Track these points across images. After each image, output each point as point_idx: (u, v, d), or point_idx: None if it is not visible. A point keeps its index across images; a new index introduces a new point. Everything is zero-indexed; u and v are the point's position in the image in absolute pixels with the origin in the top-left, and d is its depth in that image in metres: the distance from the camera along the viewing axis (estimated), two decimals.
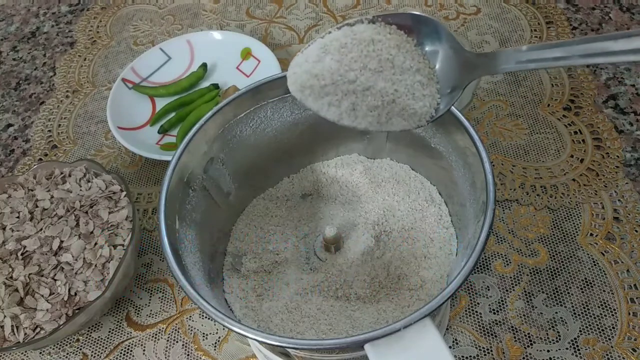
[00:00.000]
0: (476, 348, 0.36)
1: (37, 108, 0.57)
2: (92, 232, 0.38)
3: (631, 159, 0.44)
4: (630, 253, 0.38)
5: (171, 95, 0.53)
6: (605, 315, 0.36)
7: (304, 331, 0.30)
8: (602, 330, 0.35)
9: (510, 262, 0.39)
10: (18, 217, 0.39)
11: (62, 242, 0.37)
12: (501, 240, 0.40)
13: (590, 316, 0.36)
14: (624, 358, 0.34)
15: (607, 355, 0.34)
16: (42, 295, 0.35)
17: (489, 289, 0.38)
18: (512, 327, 0.36)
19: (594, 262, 0.38)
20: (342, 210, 0.36)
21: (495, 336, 0.36)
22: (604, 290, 0.37)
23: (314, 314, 0.31)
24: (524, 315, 0.36)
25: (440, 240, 0.33)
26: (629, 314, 0.36)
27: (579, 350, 0.35)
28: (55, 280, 0.36)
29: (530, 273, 0.38)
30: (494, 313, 0.37)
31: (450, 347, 0.36)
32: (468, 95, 0.44)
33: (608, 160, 0.44)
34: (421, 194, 0.35)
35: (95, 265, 0.36)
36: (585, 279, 0.38)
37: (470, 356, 0.35)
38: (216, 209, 0.33)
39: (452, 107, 0.26)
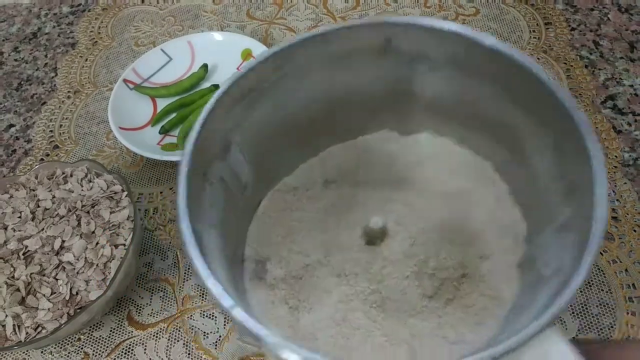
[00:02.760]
0: None
1: (39, 108, 0.57)
2: (93, 232, 0.38)
3: (629, 159, 0.44)
4: (628, 253, 0.38)
5: (172, 96, 0.54)
6: (603, 314, 0.36)
7: (357, 346, 0.25)
8: (601, 329, 0.35)
9: None
10: (20, 217, 0.39)
11: (63, 241, 0.37)
12: None
13: (589, 315, 0.36)
14: None
15: None
16: (44, 295, 0.36)
17: None
18: None
19: None
20: (376, 198, 0.30)
21: None
22: (602, 290, 0.37)
23: (365, 325, 0.26)
24: None
25: (501, 224, 0.27)
26: (627, 313, 0.36)
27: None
28: (57, 279, 0.36)
29: None
30: None
31: None
32: None
33: (606, 160, 0.44)
34: (471, 173, 0.29)
35: (97, 265, 0.36)
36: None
37: None
38: (234, 205, 0.28)
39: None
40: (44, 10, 0.70)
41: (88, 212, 0.39)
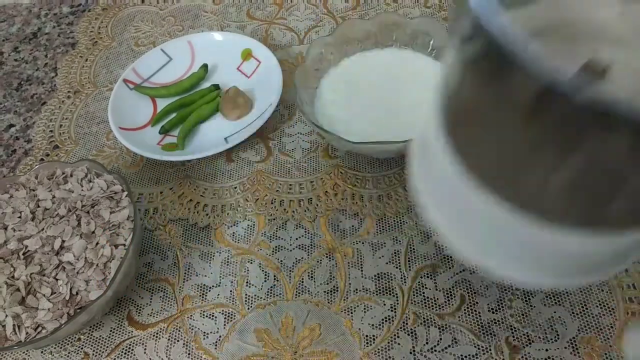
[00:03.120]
0: (475, 347, 0.36)
1: (39, 108, 0.57)
2: (93, 232, 0.38)
3: None
4: None
5: (172, 96, 0.54)
6: (603, 315, 0.36)
7: None
8: (601, 329, 0.36)
9: None
10: (20, 217, 0.39)
11: (63, 241, 0.37)
12: None
13: (589, 315, 0.36)
14: (622, 357, 0.34)
15: (605, 354, 0.34)
16: (44, 295, 0.36)
17: (487, 288, 0.38)
18: (511, 326, 0.36)
19: None
20: (590, 52, 0.27)
21: (494, 335, 0.36)
22: (602, 290, 0.37)
23: None
24: (522, 314, 0.37)
25: None
26: (627, 313, 0.36)
27: (577, 349, 0.35)
28: (57, 279, 0.36)
29: None
30: (493, 312, 0.37)
31: (448, 346, 0.36)
32: None
33: None
34: None
35: (97, 265, 0.36)
36: None
37: (469, 355, 0.36)
38: None
39: None
40: (44, 10, 0.70)
41: (88, 212, 0.39)
